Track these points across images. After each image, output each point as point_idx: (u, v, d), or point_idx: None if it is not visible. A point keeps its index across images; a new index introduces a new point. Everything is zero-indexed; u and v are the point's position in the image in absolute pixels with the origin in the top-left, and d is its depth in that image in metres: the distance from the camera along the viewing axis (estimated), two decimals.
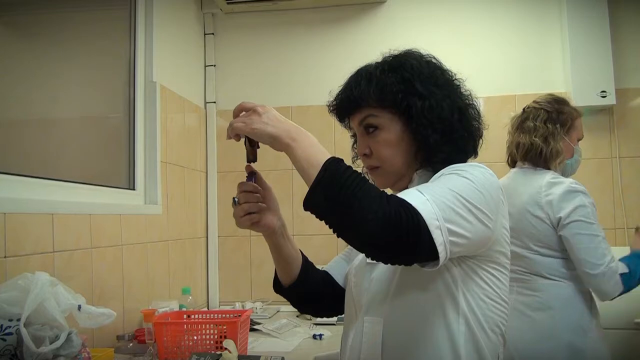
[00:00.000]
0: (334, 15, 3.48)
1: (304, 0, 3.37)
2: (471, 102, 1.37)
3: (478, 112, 1.38)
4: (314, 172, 1.08)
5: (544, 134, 2.26)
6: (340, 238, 1.08)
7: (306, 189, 1.09)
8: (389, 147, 1.32)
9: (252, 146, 1.30)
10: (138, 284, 2.52)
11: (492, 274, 1.24)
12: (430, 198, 1.07)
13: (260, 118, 1.17)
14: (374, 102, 1.32)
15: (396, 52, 1.40)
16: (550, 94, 2.39)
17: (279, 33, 3.54)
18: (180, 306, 2.57)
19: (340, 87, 1.42)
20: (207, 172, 3.50)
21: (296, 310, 1.65)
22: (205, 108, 3.53)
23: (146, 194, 2.75)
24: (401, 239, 1.01)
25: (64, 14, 2.36)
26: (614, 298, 2.12)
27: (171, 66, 3.04)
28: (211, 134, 3.51)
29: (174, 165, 3.01)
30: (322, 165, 1.08)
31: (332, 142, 3.39)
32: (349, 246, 1.44)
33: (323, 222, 1.09)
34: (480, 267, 1.22)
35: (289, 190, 3.35)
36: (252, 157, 1.31)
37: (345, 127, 1.47)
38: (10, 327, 1.43)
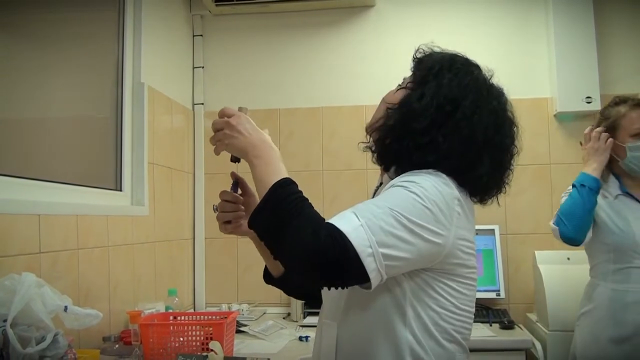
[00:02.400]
0: (322, 19, 3.49)
1: (293, 3, 3.37)
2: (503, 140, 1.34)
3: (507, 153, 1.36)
4: (264, 193, 1.16)
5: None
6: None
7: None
8: (383, 102, 1.39)
9: None
10: (124, 285, 2.52)
11: (447, 284, 1.23)
12: (365, 222, 1.08)
13: (231, 132, 1.26)
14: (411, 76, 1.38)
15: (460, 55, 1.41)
16: (616, 97, 2.43)
17: (267, 36, 3.55)
18: (167, 308, 2.57)
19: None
20: (194, 174, 3.49)
21: (282, 311, 1.69)
22: (193, 109, 3.53)
23: (133, 195, 2.74)
24: (328, 268, 1.05)
25: (51, 15, 2.35)
26: (570, 242, 2.30)
27: (159, 67, 3.04)
28: (199, 136, 3.51)
29: (161, 166, 3.00)
30: (269, 187, 1.14)
31: (320, 145, 3.40)
32: None
33: None
34: (433, 278, 1.22)
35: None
36: (234, 157, 1.34)
37: None
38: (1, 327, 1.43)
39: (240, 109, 1.31)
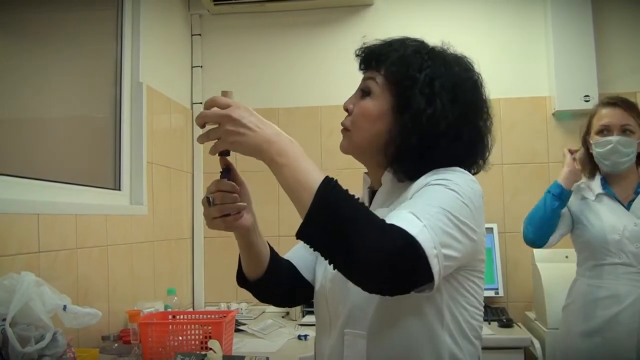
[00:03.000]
0: (321, 18, 3.50)
1: (292, 2, 3.38)
2: (486, 134, 1.29)
3: (487, 148, 1.30)
4: (307, 197, 0.99)
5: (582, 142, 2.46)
6: (338, 271, 1.01)
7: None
8: (364, 118, 1.26)
9: None
10: (123, 284, 2.52)
11: (474, 282, 1.22)
12: (427, 223, 1.01)
13: (235, 127, 1.05)
14: (384, 71, 1.25)
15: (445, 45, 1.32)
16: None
17: (266, 35, 3.55)
18: (166, 307, 2.57)
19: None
20: (193, 173, 3.50)
21: (282, 309, 1.64)
22: (192, 109, 3.53)
23: (132, 194, 2.74)
24: (401, 275, 0.97)
25: (50, 14, 2.35)
26: (531, 244, 2.44)
27: (158, 67, 3.04)
28: (197, 135, 3.49)
29: (160, 165, 3.01)
30: (315, 189, 0.99)
31: (319, 144, 3.41)
32: None
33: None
34: (464, 277, 1.20)
35: (274, 191, 3.36)
36: (226, 151, 1.15)
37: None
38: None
39: (224, 94, 1.11)
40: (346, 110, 1.29)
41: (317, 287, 1.36)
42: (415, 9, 3.47)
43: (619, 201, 2.32)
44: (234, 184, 1.22)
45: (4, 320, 1.41)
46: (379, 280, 0.97)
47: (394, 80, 1.24)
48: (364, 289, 1.00)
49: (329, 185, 0.99)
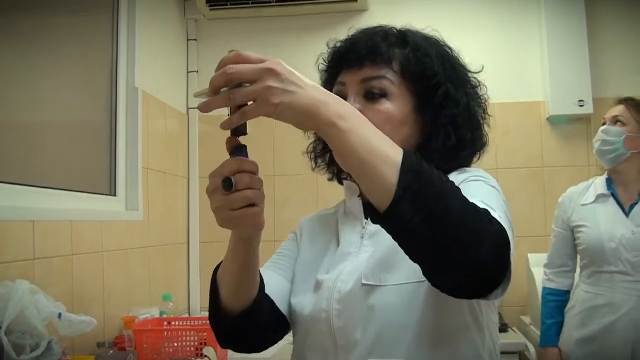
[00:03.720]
0: (316, 23, 3.50)
1: (286, 8, 3.38)
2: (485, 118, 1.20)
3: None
4: (387, 170, 0.79)
5: None
6: (422, 262, 0.83)
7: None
8: (389, 124, 1.06)
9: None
10: (118, 290, 2.52)
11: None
12: (501, 215, 0.88)
13: (281, 84, 0.79)
14: (398, 67, 1.10)
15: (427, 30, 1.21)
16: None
17: (262, 39, 3.55)
18: (161, 312, 2.57)
19: (352, 34, 1.16)
20: (188, 178, 3.49)
21: None
22: (188, 114, 3.53)
23: (127, 200, 2.74)
24: (501, 268, 0.81)
25: (44, 19, 2.35)
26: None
27: (153, 72, 3.04)
28: (193, 140, 3.50)
29: (156, 171, 3.00)
30: (400, 162, 0.79)
31: None
32: (283, 257, 1.23)
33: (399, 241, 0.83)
34: None
35: (269, 195, 3.36)
36: (243, 127, 0.88)
37: (321, 81, 1.21)
38: None
39: (232, 52, 0.82)
40: None
41: (305, 315, 1.10)
42: (409, 14, 3.46)
43: (619, 204, 2.31)
44: (256, 164, 0.90)
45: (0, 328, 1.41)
46: (479, 271, 0.79)
47: (415, 77, 1.10)
48: (447, 284, 0.83)
49: (415, 159, 0.81)
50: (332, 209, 1.30)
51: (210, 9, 3.39)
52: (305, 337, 1.11)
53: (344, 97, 1.05)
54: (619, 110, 2.32)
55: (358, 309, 1.03)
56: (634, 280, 2.19)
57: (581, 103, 3.18)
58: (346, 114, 0.81)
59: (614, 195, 2.33)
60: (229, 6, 3.36)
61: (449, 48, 1.21)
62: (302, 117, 0.81)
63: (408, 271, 0.99)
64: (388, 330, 1.00)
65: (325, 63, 1.20)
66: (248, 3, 3.33)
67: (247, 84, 0.79)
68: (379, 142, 0.81)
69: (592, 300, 2.28)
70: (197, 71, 3.55)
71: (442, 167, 1.01)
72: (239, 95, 0.79)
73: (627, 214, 2.28)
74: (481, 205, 0.85)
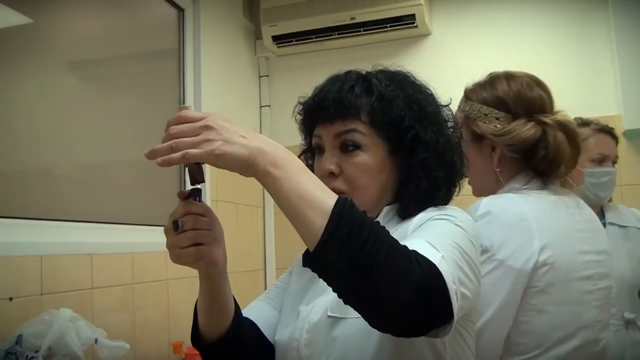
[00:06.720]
0: (380, 52, 3.55)
1: (348, 39, 3.47)
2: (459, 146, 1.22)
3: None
4: (316, 216, 0.84)
5: None
6: (349, 304, 0.87)
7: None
8: (366, 174, 1.13)
9: (197, 162, 0.96)
10: (185, 316, 2.68)
11: (470, 334, 1.12)
12: (445, 255, 0.89)
13: (219, 135, 0.87)
14: (366, 118, 1.13)
15: (386, 67, 1.23)
16: (575, 119, 2.30)
17: (328, 71, 3.62)
18: None
19: (321, 87, 1.20)
20: (264, 207, 3.64)
21: None
22: None
23: None
24: (427, 309, 0.83)
25: (119, 69, 2.63)
26: None
27: (226, 108, 3.24)
28: None
29: (226, 202, 3.17)
30: (331, 208, 0.84)
31: None
32: (276, 288, 1.31)
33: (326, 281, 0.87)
34: (464, 329, 1.09)
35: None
36: (199, 176, 1.00)
37: (301, 132, 1.28)
38: (34, 357, 1.61)
39: (183, 109, 0.93)
40: (330, 173, 1.14)
41: (282, 343, 1.17)
42: (473, 33, 3.44)
43: None
44: (207, 206, 1.04)
45: (37, 352, 1.59)
46: (404, 313, 0.82)
47: (383, 125, 1.13)
48: (379, 325, 0.86)
49: (346, 204, 0.85)
50: None
51: (278, 47, 3.56)
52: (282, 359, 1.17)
53: (322, 149, 1.17)
54: (614, 147, 2.25)
55: (323, 340, 1.07)
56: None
57: None
58: (281, 162, 0.87)
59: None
60: (294, 42, 3.51)
61: (416, 84, 1.21)
62: (240, 165, 0.88)
63: None
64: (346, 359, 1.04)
65: (300, 116, 1.26)
66: (312, 38, 3.47)
67: None
68: (311, 189, 0.86)
69: None
70: (269, 105, 3.72)
71: (417, 209, 1.11)
72: (181, 144, 0.88)
73: None
74: (425, 247, 0.89)
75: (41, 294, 1.88)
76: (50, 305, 1.83)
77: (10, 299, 1.75)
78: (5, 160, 1.96)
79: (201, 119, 0.89)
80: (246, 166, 0.88)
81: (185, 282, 2.71)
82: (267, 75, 3.76)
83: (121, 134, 2.53)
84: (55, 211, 2.08)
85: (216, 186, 3.06)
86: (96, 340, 1.72)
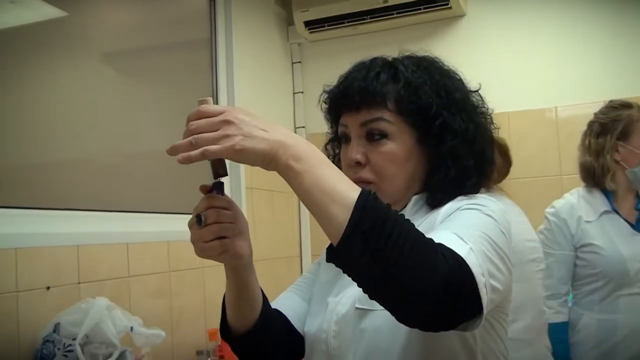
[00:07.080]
0: (414, 34, 3.50)
1: (382, 22, 3.43)
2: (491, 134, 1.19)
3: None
4: (339, 211, 0.82)
5: (596, 149, 2.13)
6: (374, 299, 0.85)
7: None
8: (394, 163, 1.10)
9: None
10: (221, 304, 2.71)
11: (503, 326, 1.10)
12: (473, 247, 0.87)
13: (239, 130, 0.86)
14: (393, 105, 1.10)
15: (413, 52, 1.20)
16: (612, 101, 2.22)
17: (361, 56, 3.59)
18: None
19: (346, 75, 1.18)
20: None
21: None
22: (295, 132, 3.69)
23: None
24: (454, 303, 0.81)
25: (151, 59, 2.65)
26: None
27: (257, 95, 3.25)
28: None
29: (261, 190, 3.19)
30: (354, 201, 0.82)
31: None
32: (305, 279, 1.30)
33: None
34: (497, 320, 1.07)
35: None
36: (222, 170, 0.99)
37: (327, 121, 1.26)
38: (72, 345, 1.66)
39: (203, 102, 0.91)
40: (357, 163, 1.11)
41: (310, 334, 1.16)
42: (510, 15, 3.35)
43: (625, 220, 2.09)
44: (230, 199, 1.02)
45: (74, 339, 1.62)
46: (430, 307, 0.81)
47: (411, 113, 1.10)
48: (405, 320, 0.85)
49: (370, 197, 0.83)
50: None
51: (310, 32, 3.54)
52: (311, 356, 1.16)
53: (349, 138, 1.14)
54: None
55: (351, 331, 1.06)
56: None
57: None
58: (303, 155, 0.86)
59: (616, 211, 2.11)
60: (326, 27, 3.48)
61: (443, 70, 1.18)
62: (262, 160, 0.86)
63: None
64: (374, 354, 1.03)
65: (326, 105, 1.23)
66: (344, 22, 3.43)
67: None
68: (334, 183, 0.85)
69: (612, 331, 2.03)
70: (302, 92, 3.71)
71: (446, 198, 1.08)
72: (200, 140, 0.87)
73: (635, 228, 2.06)
74: (452, 239, 0.87)
75: (78, 283, 1.92)
76: (87, 294, 1.88)
77: (48, 288, 1.79)
78: (40, 153, 2.00)
79: (220, 113, 0.88)
80: (267, 160, 0.86)
81: (221, 270, 2.69)
82: (299, 62, 3.74)
83: (154, 124, 2.56)
84: (91, 201, 2.12)
85: (251, 174, 3.07)
86: (132, 328, 1.75)
